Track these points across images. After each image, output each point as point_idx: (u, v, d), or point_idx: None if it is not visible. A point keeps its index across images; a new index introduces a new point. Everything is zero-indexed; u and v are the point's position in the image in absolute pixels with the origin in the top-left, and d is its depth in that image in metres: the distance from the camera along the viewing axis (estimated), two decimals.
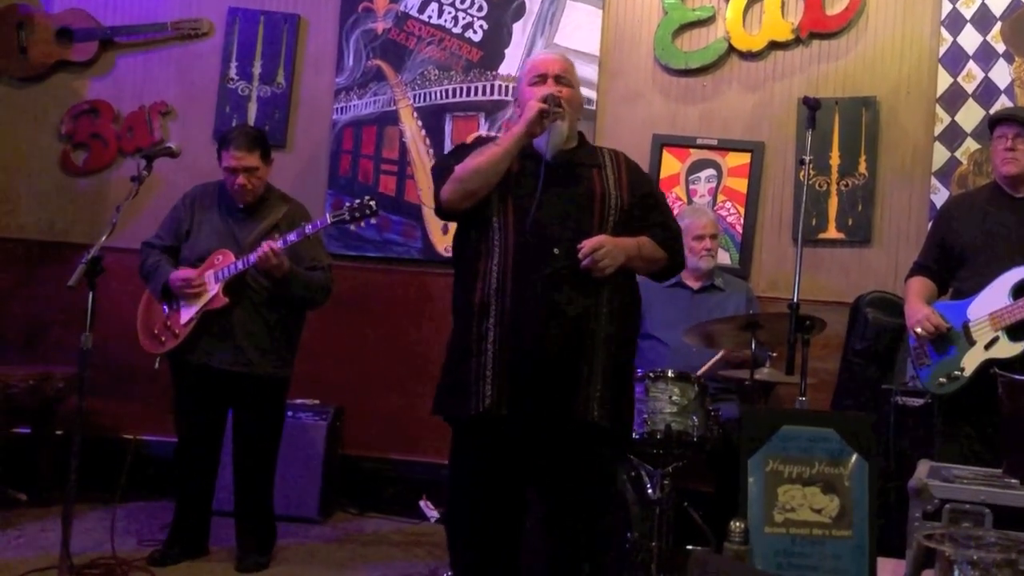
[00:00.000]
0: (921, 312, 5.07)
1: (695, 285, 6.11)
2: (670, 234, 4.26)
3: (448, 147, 7.03)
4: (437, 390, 4.16)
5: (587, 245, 3.93)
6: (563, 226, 3.99)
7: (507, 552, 4.13)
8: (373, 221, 5.34)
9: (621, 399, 4.11)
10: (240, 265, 5.33)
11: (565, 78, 4.21)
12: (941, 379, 4.97)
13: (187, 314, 5.43)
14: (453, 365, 4.10)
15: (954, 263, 5.21)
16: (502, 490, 4.09)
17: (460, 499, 4.22)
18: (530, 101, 4.08)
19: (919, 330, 5.02)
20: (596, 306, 4.00)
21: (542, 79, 4.19)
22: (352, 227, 6.80)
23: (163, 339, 5.50)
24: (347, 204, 5.43)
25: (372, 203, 5.36)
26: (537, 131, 4.02)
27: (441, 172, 4.20)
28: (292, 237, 5.30)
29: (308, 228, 5.35)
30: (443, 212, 4.25)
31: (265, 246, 5.22)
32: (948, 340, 4.97)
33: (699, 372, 5.43)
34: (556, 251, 3.95)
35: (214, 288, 5.37)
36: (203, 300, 5.38)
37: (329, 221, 5.39)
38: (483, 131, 7.03)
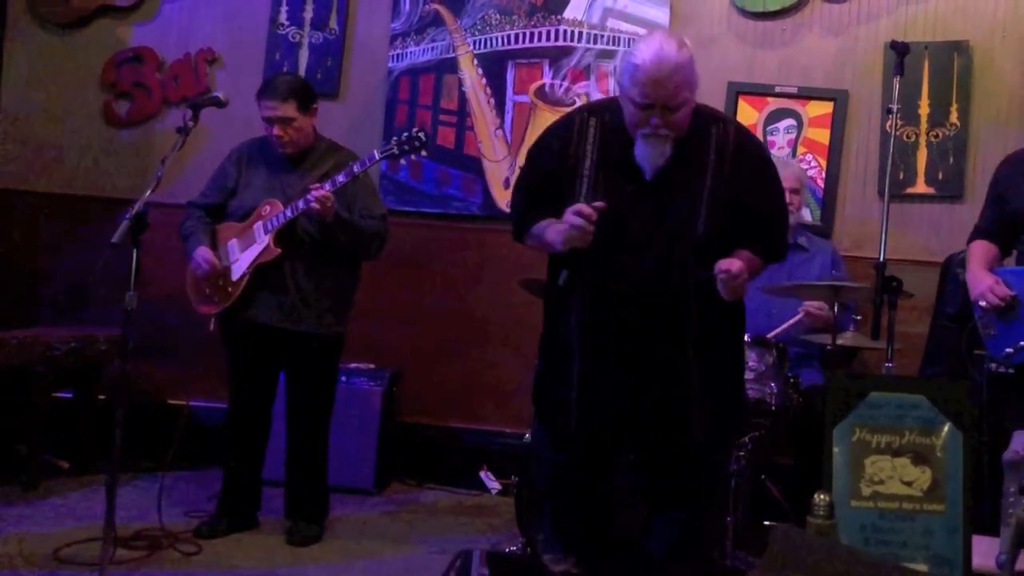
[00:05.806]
0: (984, 283, 4.93)
1: None
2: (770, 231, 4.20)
3: (510, 96, 7.07)
4: None
5: None
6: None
7: None
8: (423, 154, 5.36)
9: None
10: (289, 213, 5.34)
11: (673, 104, 3.82)
12: (1008, 349, 4.89)
13: (239, 270, 5.45)
14: None
15: (1017, 227, 5.10)
16: None
17: None
18: (568, 215, 3.89)
19: (983, 303, 4.92)
20: None
21: (649, 108, 3.84)
22: (405, 164, 6.68)
23: (216, 298, 5.52)
24: (395, 137, 5.45)
25: (421, 135, 5.39)
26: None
27: (513, 201, 4.41)
28: (341, 178, 5.30)
29: (356, 167, 5.33)
30: None
31: (314, 190, 5.21)
32: (1014, 308, 4.89)
33: (772, 334, 5.39)
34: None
35: (264, 239, 5.38)
36: (253, 254, 5.40)
37: (378, 157, 5.40)
38: (547, 79, 6.99)
